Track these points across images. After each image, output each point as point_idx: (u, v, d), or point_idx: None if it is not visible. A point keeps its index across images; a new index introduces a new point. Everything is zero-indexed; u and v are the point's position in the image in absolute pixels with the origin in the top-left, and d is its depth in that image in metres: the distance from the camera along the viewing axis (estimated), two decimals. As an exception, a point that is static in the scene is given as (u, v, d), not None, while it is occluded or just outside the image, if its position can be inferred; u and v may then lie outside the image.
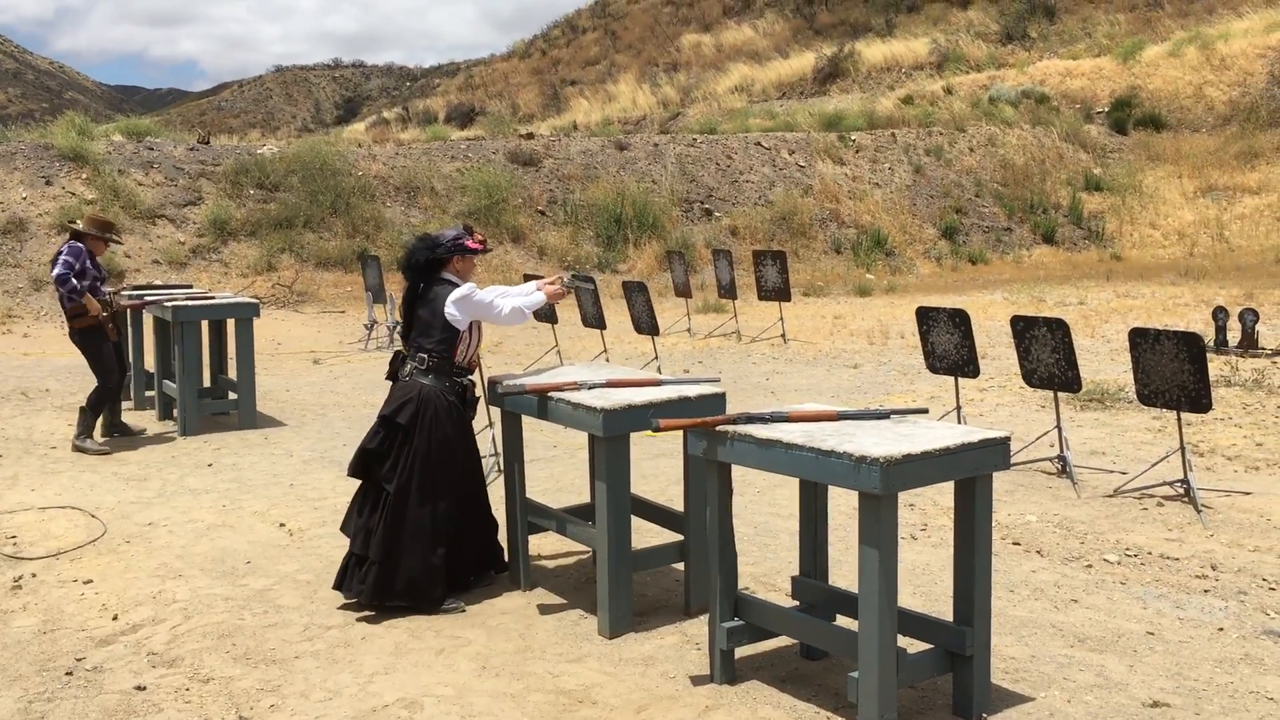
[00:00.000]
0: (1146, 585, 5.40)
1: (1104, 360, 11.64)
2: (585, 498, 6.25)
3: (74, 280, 8.25)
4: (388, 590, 5.08)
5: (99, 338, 8.48)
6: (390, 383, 5.43)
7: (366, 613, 5.09)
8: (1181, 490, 6.80)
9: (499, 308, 5.29)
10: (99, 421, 8.71)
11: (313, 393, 10.89)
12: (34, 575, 5.65)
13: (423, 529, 5.10)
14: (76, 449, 8.37)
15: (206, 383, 9.90)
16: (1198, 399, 6.55)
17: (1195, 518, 6.42)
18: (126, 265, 16.20)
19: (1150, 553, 5.86)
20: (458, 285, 5.28)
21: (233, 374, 9.67)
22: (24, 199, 17.19)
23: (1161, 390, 6.70)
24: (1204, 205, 24.31)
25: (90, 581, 5.56)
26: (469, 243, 5.36)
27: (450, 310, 5.23)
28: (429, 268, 5.33)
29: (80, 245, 8.41)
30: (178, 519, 6.63)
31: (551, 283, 5.63)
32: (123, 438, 8.84)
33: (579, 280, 5.96)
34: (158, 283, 13.22)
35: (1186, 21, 34.10)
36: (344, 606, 5.18)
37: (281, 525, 6.49)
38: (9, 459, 8.13)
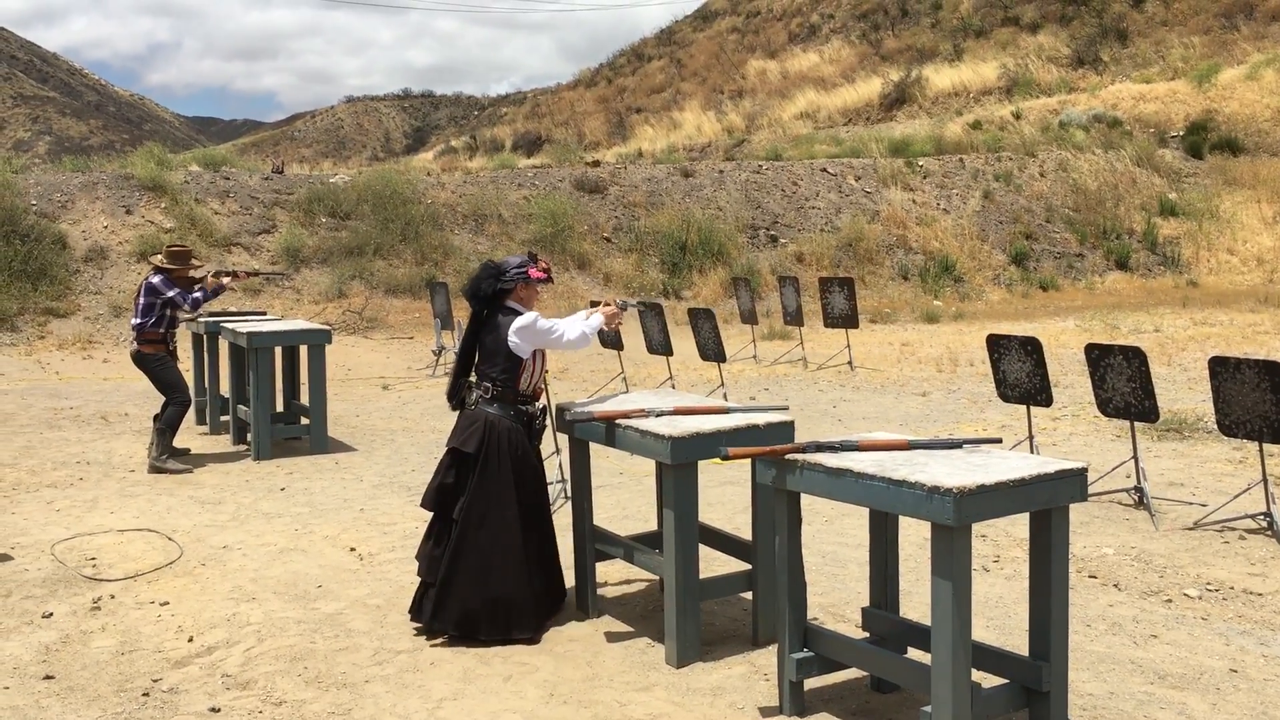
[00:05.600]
0: (1229, 621, 5.25)
1: (1181, 389, 11.38)
2: (651, 525, 6.24)
3: (184, 296, 8.84)
4: (444, 617, 5.10)
5: (163, 359, 8.82)
6: (455, 411, 5.48)
7: (436, 639, 5.11)
8: (1265, 523, 6.61)
9: (560, 331, 5.32)
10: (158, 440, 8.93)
11: (382, 418, 11.02)
12: (112, 597, 5.76)
13: (484, 558, 5.09)
14: (156, 469, 8.55)
15: (279, 408, 10.07)
16: (1281, 430, 6.37)
17: (1279, 552, 6.23)
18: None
19: (1232, 588, 5.70)
20: (520, 314, 5.30)
21: (305, 399, 9.83)
22: (105, 227, 17.67)
23: (1243, 420, 6.53)
24: (1284, 230, 23.74)
25: (167, 603, 5.66)
26: (532, 271, 5.37)
27: (513, 339, 5.24)
28: (494, 297, 5.35)
29: (164, 278, 8.86)
30: (251, 542, 6.73)
31: (607, 304, 5.71)
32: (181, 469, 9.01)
33: (630, 304, 6.07)
34: (233, 309, 13.50)
35: (1263, 43, 33.42)
36: (418, 633, 5.21)
37: (352, 550, 6.56)
38: (89, 482, 8.33)
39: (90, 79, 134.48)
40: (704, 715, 4.32)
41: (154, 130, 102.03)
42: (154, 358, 8.81)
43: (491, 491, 5.14)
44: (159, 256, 9.19)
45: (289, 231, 18.51)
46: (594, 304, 12.56)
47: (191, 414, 10.53)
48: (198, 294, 8.92)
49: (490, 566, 5.09)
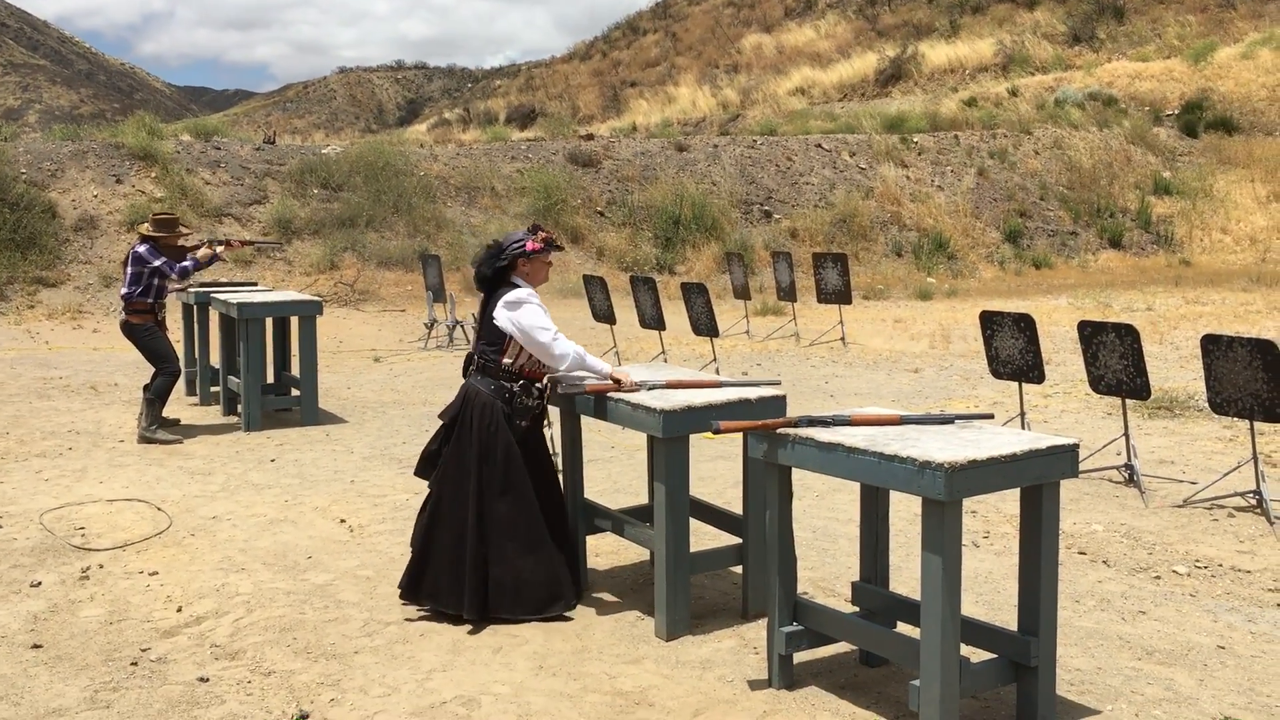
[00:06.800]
0: (1217, 598, 5.27)
1: (1173, 367, 11.40)
2: (642, 499, 6.23)
3: (170, 265, 8.74)
4: (416, 587, 5.06)
5: (151, 329, 8.78)
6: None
7: (425, 610, 5.11)
8: (1254, 501, 6.63)
9: (548, 338, 4.99)
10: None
11: (373, 390, 10.99)
12: (101, 566, 5.75)
13: (452, 531, 4.98)
14: (145, 439, 8.52)
15: (270, 379, 10.04)
16: (1272, 408, 6.38)
17: (1268, 530, 6.25)
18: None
19: (1221, 565, 5.72)
20: (520, 288, 5.16)
21: (296, 371, 9.80)
22: (95, 197, 17.56)
23: (1234, 399, 6.54)
24: (1277, 210, 23.76)
25: (156, 573, 5.65)
26: (530, 244, 5.14)
27: (499, 311, 5.07)
28: (497, 277, 5.16)
29: (150, 247, 8.79)
30: (241, 513, 6.72)
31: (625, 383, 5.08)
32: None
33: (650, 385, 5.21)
34: (223, 280, 13.44)
35: (1260, 22, 33.33)
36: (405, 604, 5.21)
37: (342, 521, 6.55)
38: (78, 452, 8.30)
39: (81, 47, 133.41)
40: (693, 688, 4.33)
41: (145, 100, 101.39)
42: (142, 328, 8.76)
43: (461, 463, 5.02)
44: (145, 225, 9.10)
45: (280, 202, 18.41)
46: (587, 279, 12.42)
47: (181, 384, 10.52)
48: (187, 263, 8.83)
49: (459, 541, 4.98)
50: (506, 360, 5.11)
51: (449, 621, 4.98)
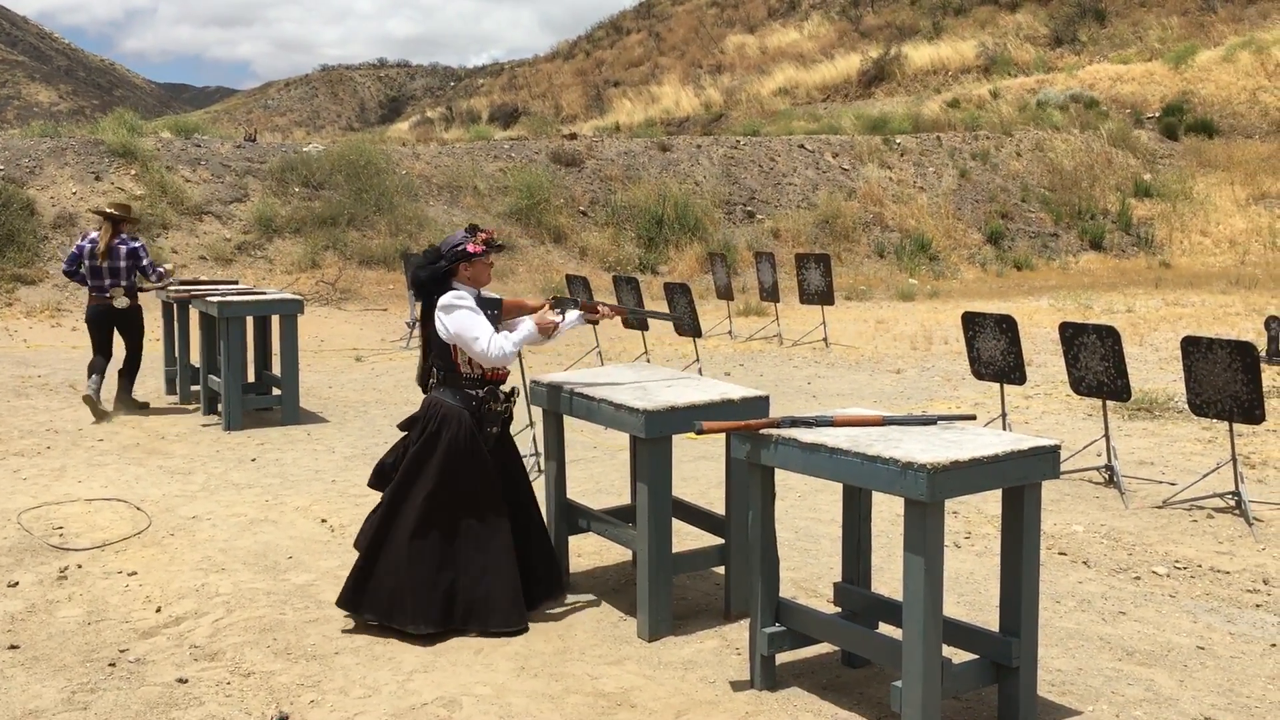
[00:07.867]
0: (1196, 599, 5.30)
1: (1153, 369, 11.46)
2: (625, 499, 6.22)
3: (153, 263, 9.66)
4: (359, 599, 4.85)
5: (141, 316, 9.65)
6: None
7: (372, 622, 4.91)
8: (1232, 502, 6.67)
9: (478, 337, 4.80)
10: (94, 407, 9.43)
11: (355, 390, 10.95)
12: (79, 566, 5.70)
13: (407, 543, 4.80)
14: (122, 400, 9.35)
15: (251, 378, 9.99)
16: (1251, 410, 6.42)
17: (1247, 531, 6.29)
18: (173, 261, 16.39)
19: (1200, 565, 5.75)
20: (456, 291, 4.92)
21: (277, 370, 9.75)
22: (74, 194, 17.44)
23: (1213, 400, 6.58)
24: (1256, 213, 23.92)
25: (134, 573, 5.61)
26: (470, 246, 4.91)
27: (435, 318, 4.89)
28: (437, 283, 4.93)
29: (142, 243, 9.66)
30: (221, 513, 6.68)
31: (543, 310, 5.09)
32: (104, 422, 9.35)
33: (564, 304, 5.27)
34: (204, 278, 13.36)
35: (1240, 26, 33.56)
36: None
37: (323, 521, 6.52)
38: (56, 450, 8.24)
39: (60, 43, 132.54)
40: (675, 689, 4.32)
41: (125, 96, 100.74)
42: (140, 313, 9.52)
43: (421, 475, 4.86)
44: (110, 208, 9.61)
45: (261, 201, 18.32)
46: (570, 278, 12.44)
47: (162, 383, 10.51)
48: (160, 269, 9.66)
49: (418, 555, 4.81)
50: (464, 368, 4.95)
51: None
